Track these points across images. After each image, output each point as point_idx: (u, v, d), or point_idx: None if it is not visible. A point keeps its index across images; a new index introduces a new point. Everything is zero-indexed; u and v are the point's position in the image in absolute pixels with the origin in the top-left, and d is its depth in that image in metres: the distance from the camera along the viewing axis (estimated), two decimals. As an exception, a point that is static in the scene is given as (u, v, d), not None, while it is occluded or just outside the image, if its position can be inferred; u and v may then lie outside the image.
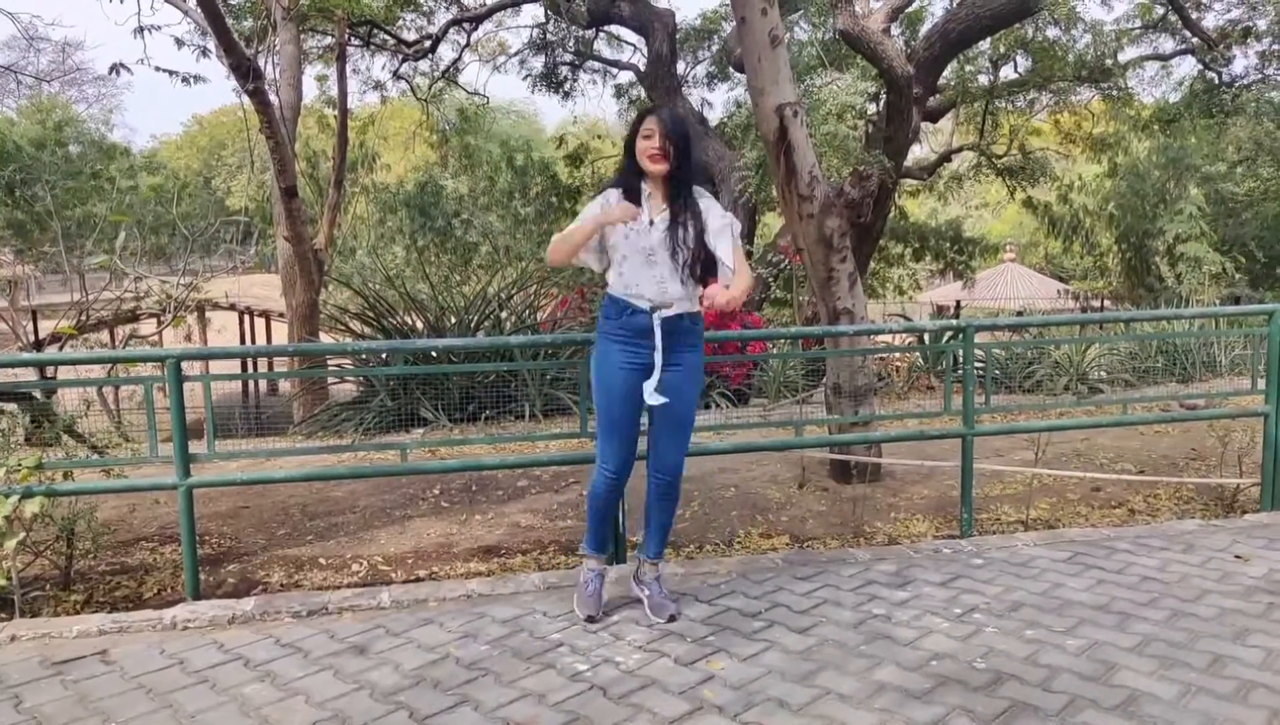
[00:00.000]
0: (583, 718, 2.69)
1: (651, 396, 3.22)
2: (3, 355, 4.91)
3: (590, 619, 3.36)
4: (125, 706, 2.84)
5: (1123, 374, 9.77)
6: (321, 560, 4.57)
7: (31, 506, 3.71)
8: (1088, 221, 19.13)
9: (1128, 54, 14.86)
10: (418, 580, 4.22)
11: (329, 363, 8.11)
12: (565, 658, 3.10)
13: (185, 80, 9.07)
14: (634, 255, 3.23)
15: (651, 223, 3.26)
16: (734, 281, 3.21)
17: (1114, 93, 13.92)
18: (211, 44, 11.26)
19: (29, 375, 6.12)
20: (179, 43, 11.03)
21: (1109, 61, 12.77)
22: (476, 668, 3.04)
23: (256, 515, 5.35)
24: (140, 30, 8.18)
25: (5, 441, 3.98)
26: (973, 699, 2.75)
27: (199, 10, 10.08)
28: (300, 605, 3.61)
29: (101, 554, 4.58)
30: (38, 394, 5.32)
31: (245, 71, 8.26)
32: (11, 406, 4.38)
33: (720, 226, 3.27)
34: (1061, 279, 25.71)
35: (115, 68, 8.09)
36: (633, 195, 3.27)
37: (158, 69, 8.73)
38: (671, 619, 3.37)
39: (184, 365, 3.91)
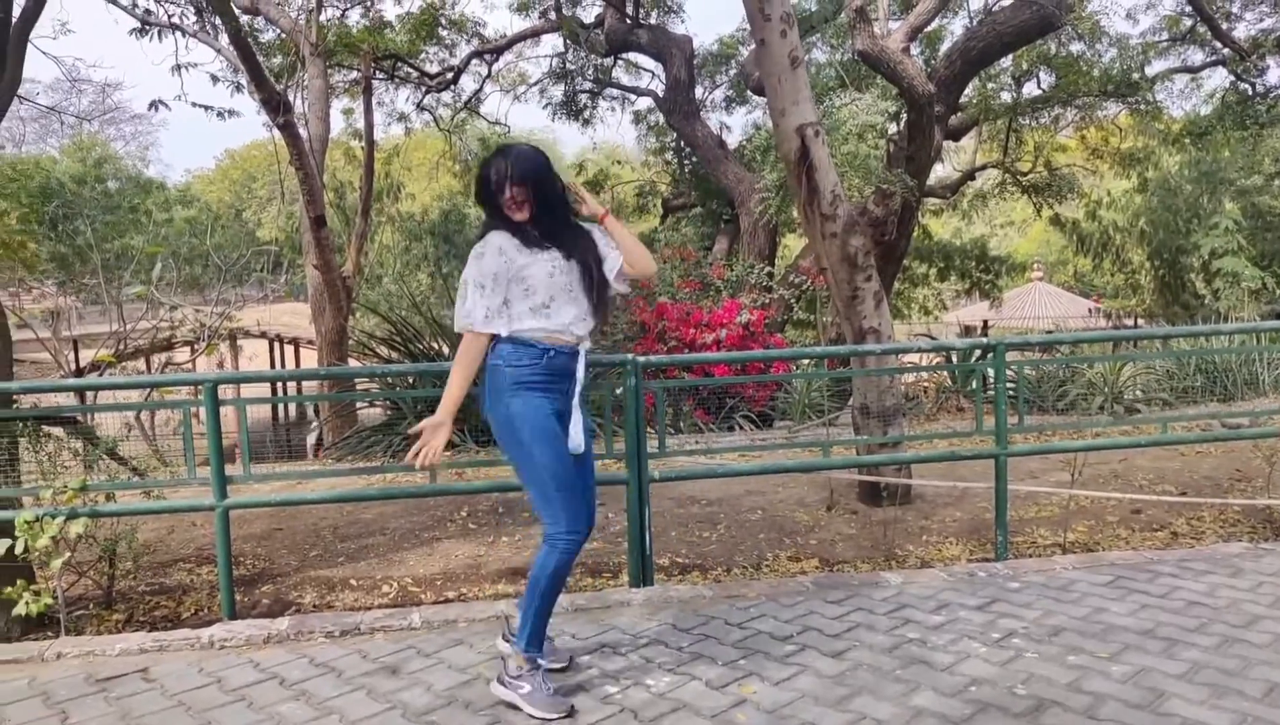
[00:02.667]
0: (615, 740, 2.68)
1: (578, 443, 2.94)
2: (48, 381, 5.03)
3: (573, 710, 2.87)
4: (166, 724, 2.88)
5: (1160, 393, 9.61)
6: (353, 581, 4.60)
7: (76, 527, 3.80)
8: (1118, 238, 18.92)
9: (1155, 67, 14.76)
10: (447, 601, 4.23)
11: (357, 386, 8.20)
12: (595, 680, 3.09)
13: (220, 115, 9.30)
14: (560, 293, 2.96)
15: (569, 255, 3.02)
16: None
17: (1142, 107, 13.80)
18: (243, 79, 11.52)
19: (69, 400, 6.25)
20: (214, 79, 11.31)
21: (1136, 75, 12.68)
22: (508, 689, 3.04)
23: (289, 537, 5.40)
24: (177, 68, 8.43)
25: (52, 464, 4.07)
26: None
27: (231, 49, 10.35)
28: (333, 625, 3.63)
29: (141, 574, 4.66)
30: (81, 418, 5.44)
31: (276, 106, 8.45)
32: (57, 430, 4.47)
33: (607, 243, 3.12)
34: (1091, 297, 25.42)
35: (154, 104, 8.37)
36: (531, 240, 2.96)
37: (194, 104, 8.97)
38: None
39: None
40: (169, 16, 8.39)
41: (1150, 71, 13.68)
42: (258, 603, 4.39)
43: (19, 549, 3.74)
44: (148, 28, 8.22)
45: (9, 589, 3.81)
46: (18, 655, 3.45)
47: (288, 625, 3.64)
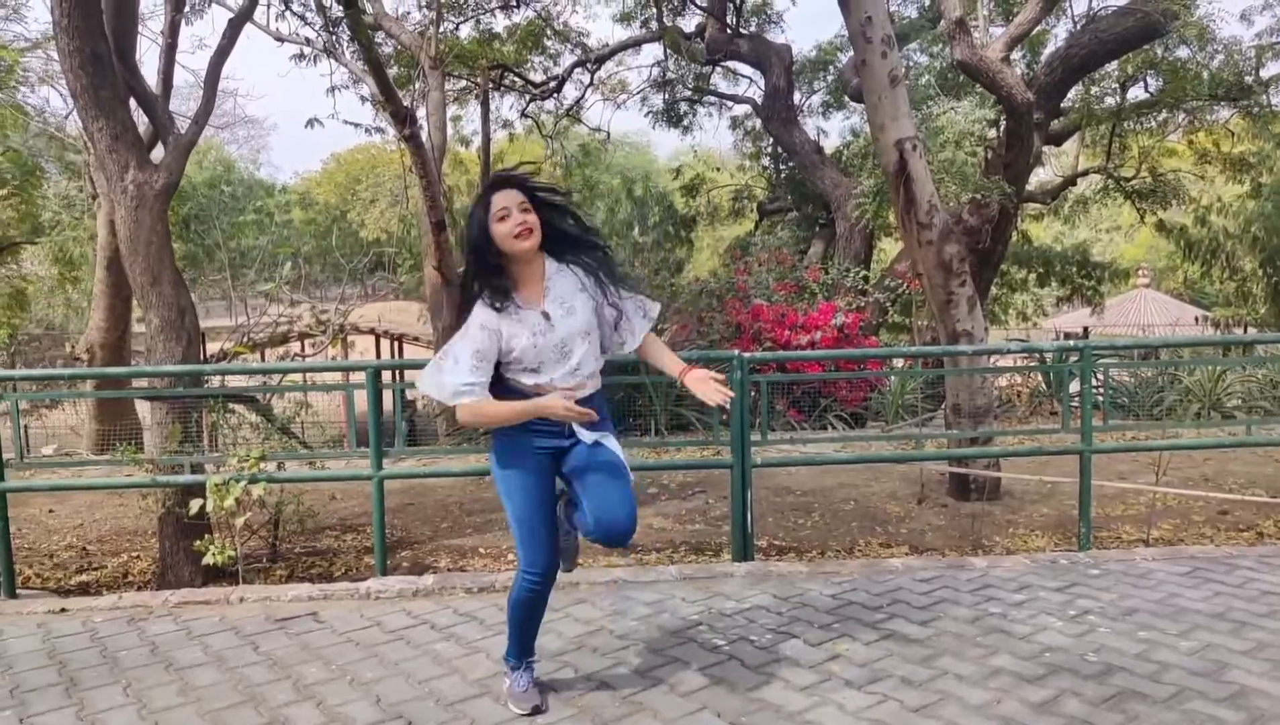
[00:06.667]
0: (726, 681, 3.10)
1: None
2: (237, 364, 5.74)
3: (537, 710, 2.93)
4: (341, 655, 3.43)
5: (1260, 402, 9.50)
6: (481, 549, 5.15)
7: (258, 489, 4.42)
8: (1229, 245, 18.32)
9: (1271, 69, 14.34)
10: (568, 570, 4.72)
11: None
12: (704, 634, 3.51)
13: (367, 131, 10.12)
14: (548, 356, 2.79)
15: (547, 316, 2.79)
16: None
17: (1256, 110, 13.46)
18: (365, 91, 12.31)
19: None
20: (363, 100, 12.12)
21: (1249, 78, 12.41)
22: (629, 638, 3.49)
23: (420, 511, 6.00)
24: (332, 90, 9.24)
25: (234, 436, 4.73)
26: (1083, 685, 3.01)
27: (356, 63, 11.14)
28: (472, 583, 4.15)
29: (296, 538, 5.30)
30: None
31: (403, 118, 9.08)
32: (240, 408, 5.15)
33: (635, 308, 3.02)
34: (1201, 305, 24.59)
35: (311, 122, 9.21)
36: (505, 298, 2.78)
37: (345, 122, 9.83)
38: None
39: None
40: (321, 42, 9.16)
41: (1265, 74, 13.32)
42: (398, 565, 4.97)
43: (209, 507, 4.39)
44: (304, 54, 9.01)
45: (198, 543, 4.47)
46: (207, 598, 4.08)
47: (432, 581, 4.18)
